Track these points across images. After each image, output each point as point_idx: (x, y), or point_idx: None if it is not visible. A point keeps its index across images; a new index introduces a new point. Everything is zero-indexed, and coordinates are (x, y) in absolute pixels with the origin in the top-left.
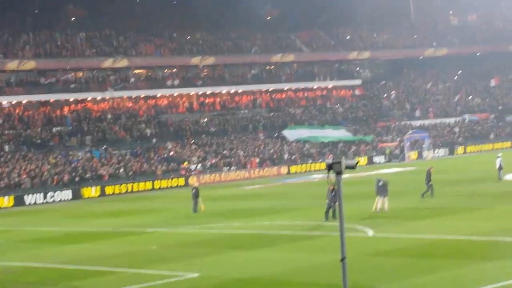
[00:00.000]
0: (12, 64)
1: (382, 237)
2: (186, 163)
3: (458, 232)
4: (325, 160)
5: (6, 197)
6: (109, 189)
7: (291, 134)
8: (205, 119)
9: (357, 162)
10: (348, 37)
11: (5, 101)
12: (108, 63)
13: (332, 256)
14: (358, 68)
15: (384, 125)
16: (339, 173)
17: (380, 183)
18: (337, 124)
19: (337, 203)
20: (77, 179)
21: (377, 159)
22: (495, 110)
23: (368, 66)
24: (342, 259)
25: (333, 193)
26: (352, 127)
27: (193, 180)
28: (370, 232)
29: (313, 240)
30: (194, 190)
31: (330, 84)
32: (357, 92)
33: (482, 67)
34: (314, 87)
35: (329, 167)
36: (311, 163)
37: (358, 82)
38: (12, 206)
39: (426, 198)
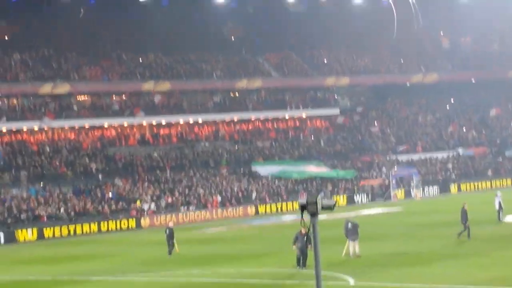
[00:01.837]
0: None
1: (364, 286)
2: (138, 202)
3: (451, 281)
4: (299, 200)
5: None
6: (48, 232)
7: (261, 169)
8: (160, 153)
9: (336, 203)
10: (324, 61)
11: None
12: (46, 88)
13: None
14: (336, 96)
15: (366, 160)
16: (314, 214)
17: (349, 225)
18: (312, 159)
19: (309, 249)
20: (10, 220)
21: (358, 198)
22: (493, 144)
23: (347, 93)
24: None
25: (305, 238)
26: (329, 162)
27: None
28: (351, 281)
29: None
30: (168, 231)
31: (303, 113)
32: (335, 122)
33: (478, 96)
34: (286, 117)
35: (303, 208)
36: (282, 202)
37: (336, 111)
38: None
39: (462, 238)
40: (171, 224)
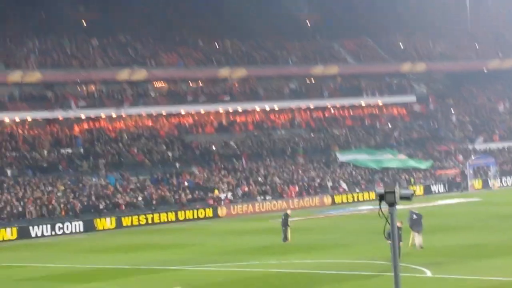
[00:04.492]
0: (15, 76)
1: (441, 278)
2: (215, 191)
3: None
4: (376, 189)
5: (9, 229)
6: (126, 220)
7: (341, 156)
8: (236, 141)
9: (413, 192)
10: (400, 47)
11: (7, 118)
12: (124, 75)
13: None
14: (412, 83)
15: (444, 149)
16: (392, 204)
17: (414, 216)
18: (388, 147)
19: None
20: (91, 209)
21: (435, 188)
22: None
23: (423, 80)
24: None
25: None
26: (405, 151)
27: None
28: (428, 273)
29: (362, 281)
30: (284, 217)
31: (379, 100)
32: (411, 110)
33: None
34: (362, 104)
35: (381, 198)
36: (359, 192)
37: (412, 98)
38: (16, 238)
39: None
40: (289, 211)
